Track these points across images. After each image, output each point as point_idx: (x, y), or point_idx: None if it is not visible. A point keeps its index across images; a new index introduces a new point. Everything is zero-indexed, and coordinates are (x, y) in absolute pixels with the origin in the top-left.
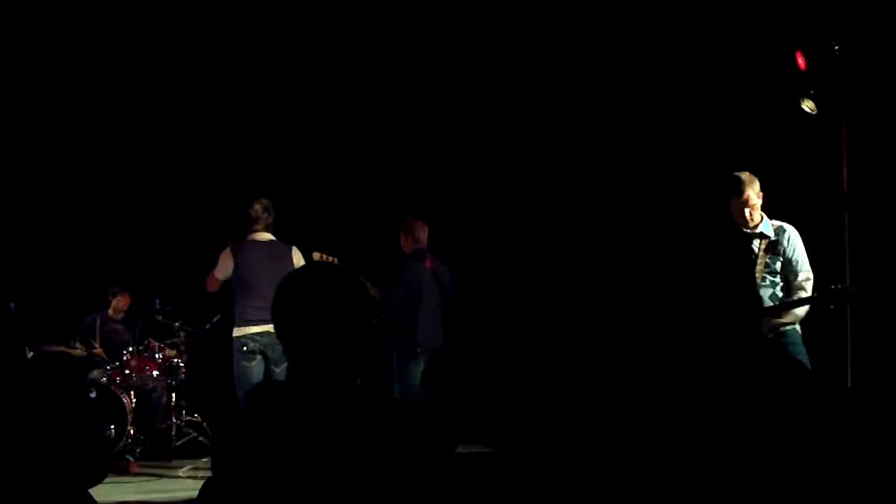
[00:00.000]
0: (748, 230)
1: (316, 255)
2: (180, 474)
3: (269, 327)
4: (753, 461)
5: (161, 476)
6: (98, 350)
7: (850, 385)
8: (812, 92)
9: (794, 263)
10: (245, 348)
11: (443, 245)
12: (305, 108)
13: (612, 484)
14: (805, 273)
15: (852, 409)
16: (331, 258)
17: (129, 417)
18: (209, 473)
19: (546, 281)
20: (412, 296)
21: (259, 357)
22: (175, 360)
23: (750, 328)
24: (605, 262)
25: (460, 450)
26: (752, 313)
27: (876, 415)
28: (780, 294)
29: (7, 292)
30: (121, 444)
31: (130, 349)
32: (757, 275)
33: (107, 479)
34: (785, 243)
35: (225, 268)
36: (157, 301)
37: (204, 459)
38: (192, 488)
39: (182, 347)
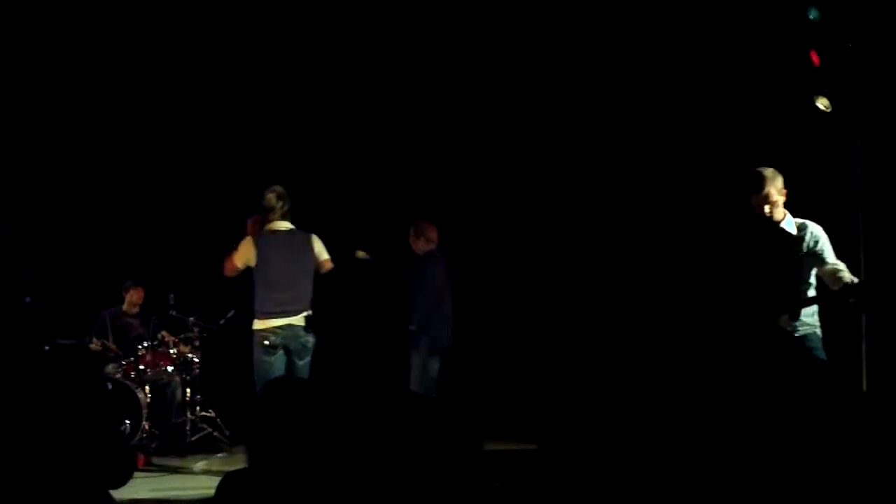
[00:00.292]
0: None
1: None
2: (195, 469)
3: (292, 319)
4: (773, 457)
5: (176, 471)
6: (112, 345)
7: (865, 386)
8: (826, 90)
9: (819, 253)
10: (267, 342)
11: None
12: (316, 103)
13: (627, 480)
14: (833, 259)
15: (870, 410)
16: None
17: (144, 412)
18: (224, 468)
19: (560, 279)
20: (434, 296)
21: (280, 352)
22: (189, 356)
23: (779, 323)
24: (624, 263)
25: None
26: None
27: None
28: (809, 292)
29: (21, 287)
30: (135, 438)
31: (145, 344)
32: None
33: None
34: (807, 237)
35: (245, 255)
36: (172, 296)
37: (219, 455)
38: (206, 484)
39: (196, 343)
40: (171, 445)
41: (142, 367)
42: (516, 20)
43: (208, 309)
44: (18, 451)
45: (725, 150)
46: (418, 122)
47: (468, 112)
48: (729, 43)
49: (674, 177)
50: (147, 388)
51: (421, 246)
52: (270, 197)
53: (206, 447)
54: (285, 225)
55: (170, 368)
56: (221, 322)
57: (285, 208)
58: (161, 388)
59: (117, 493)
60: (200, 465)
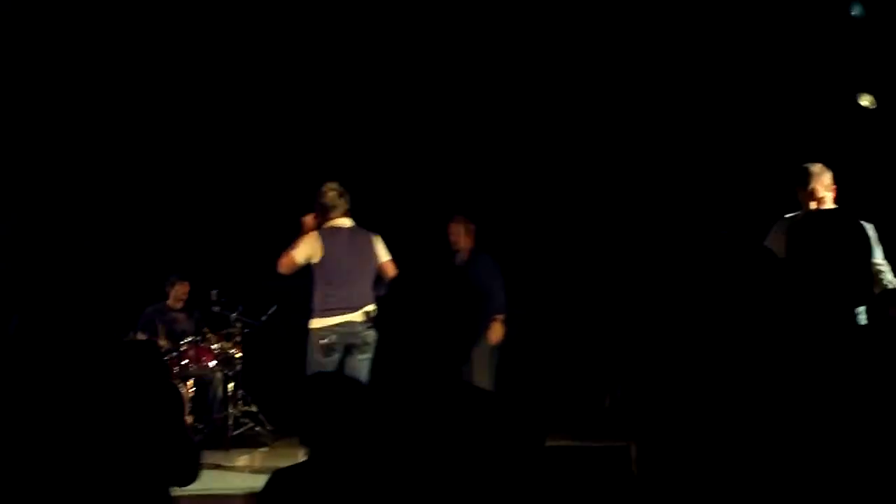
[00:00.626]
0: None
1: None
2: (237, 464)
3: (351, 316)
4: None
5: (218, 466)
6: (163, 342)
7: None
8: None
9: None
10: (325, 341)
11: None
12: (352, 103)
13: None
14: (880, 258)
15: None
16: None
17: (188, 407)
18: (266, 464)
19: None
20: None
21: (337, 355)
22: (231, 351)
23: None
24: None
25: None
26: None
27: None
28: None
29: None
30: None
31: (189, 339)
32: None
33: None
34: None
35: (308, 251)
36: (215, 292)
37: (261, 450)
38: (248, 478)
39: (238, 339)
40: (213, 440)
41: (185, 361)
42: (543, 23)
43: (250, 305)
44: (92, 447)
45: (777, 147)
46: (423, 122)
47: (499, 113)
48: (778, 42)
49: (730, 174)
50: (190, 382)
51: (469, 241)
52: (332, 194)
53: (249, 442)
54: (347, 222)
55: (212, 364)
56: (263, 318)
57: (346, 206)
58: (204, 384)
59: None
60: (243, 459)
